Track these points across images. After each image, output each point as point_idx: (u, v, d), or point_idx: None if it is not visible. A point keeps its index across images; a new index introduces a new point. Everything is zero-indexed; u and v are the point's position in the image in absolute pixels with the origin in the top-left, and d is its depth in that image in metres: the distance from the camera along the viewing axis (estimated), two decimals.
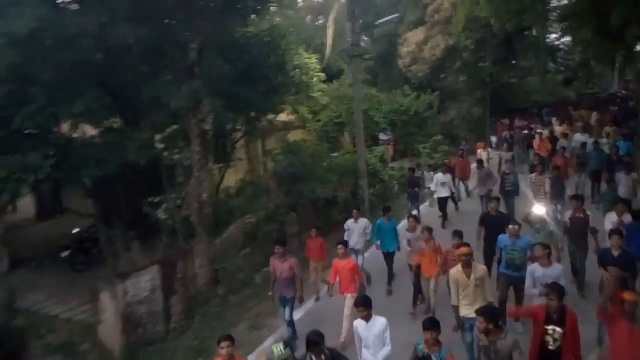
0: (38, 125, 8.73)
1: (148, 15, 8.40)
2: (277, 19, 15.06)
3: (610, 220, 8.34)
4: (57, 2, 7.69)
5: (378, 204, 13.91)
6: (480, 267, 6.59)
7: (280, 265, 7.85)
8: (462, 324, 6.51)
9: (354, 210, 9.96)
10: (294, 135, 17.63)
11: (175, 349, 8.56)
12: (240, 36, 12.52)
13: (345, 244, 8.10)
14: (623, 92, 30.74)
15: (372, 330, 5.55)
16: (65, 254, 12.55)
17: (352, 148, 16.48)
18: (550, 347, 5.36)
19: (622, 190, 11.24)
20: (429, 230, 8.10)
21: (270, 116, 15.15)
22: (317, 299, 9.39)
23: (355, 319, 5.81)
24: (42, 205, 15.43)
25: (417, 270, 8.28)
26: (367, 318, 5.58)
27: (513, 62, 26.70)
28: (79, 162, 9.37)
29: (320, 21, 28.45)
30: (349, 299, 7.44)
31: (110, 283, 8.63)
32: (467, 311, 6.39)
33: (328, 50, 21.82)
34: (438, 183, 12.97)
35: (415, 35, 25.29)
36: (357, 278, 7.76)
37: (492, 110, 24.52)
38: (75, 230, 13.29)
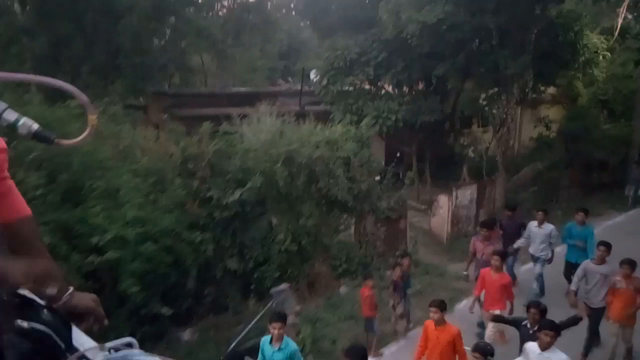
0: None
1: (501, 7, 11.94)
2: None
3: None
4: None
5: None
6: None
7: (482, 247, 8.22)
8: None
9: (538, 213, 9.12)
10: (553, 109, 19.72)
11: None
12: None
13: (502, 255, 7.42)
14: None
15: None
16: None
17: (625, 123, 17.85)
18: None
19: None
20: (632, 264, 6.58)
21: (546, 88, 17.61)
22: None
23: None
24: None
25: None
26: None
27: None
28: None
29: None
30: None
31: (446, 191, 12.88)
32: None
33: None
34: None
35: None
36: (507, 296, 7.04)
37: None
38: None
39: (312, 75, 19.65)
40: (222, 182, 8.50)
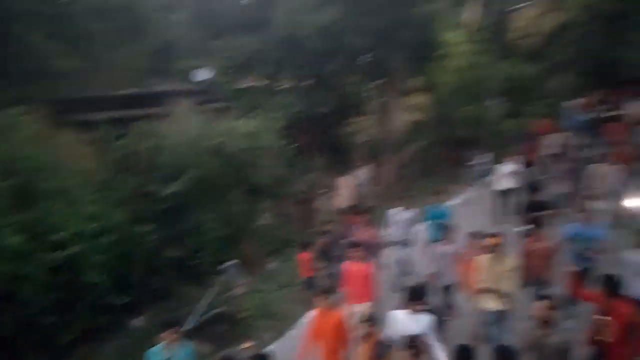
0: None
1: (382, 9, 13.85)
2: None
3: None
4: None
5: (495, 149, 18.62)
6: (510, 259, 6.51)
7: (362, 234, 8.37)
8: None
9: (399, 200, 9.60)
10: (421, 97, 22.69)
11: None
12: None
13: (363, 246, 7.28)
14: None
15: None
16: None
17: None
18: (604, 339, 5.20)
19: None
20: (477, 235, 7.28)
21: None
22: None
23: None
24: None
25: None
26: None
27: (623, 36, 29.48)
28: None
29: None
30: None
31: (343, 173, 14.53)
32: (493, 304, 6.37)
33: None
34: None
35: (529, 11, 29.05)
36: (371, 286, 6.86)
37: (596, 83, 27.84)
38: None
39: (203, 74, 20.12)
40: (158, 177, 9.08)
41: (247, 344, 8.15)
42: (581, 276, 6.16)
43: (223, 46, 16.25)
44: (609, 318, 5.14)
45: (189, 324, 8.31)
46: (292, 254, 11.12)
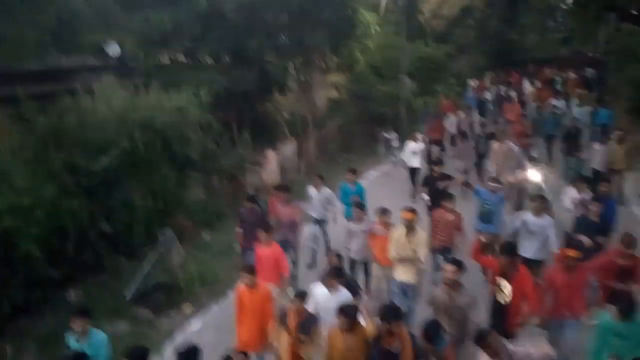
0: None
1: None
2: None
3: (570, 196, 8.48)
4: None
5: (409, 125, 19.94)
6: (421, 233, 6.79)
7: (283, 211, 8.57)
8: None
9: (316, 178, 9.75)
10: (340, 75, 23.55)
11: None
12: None
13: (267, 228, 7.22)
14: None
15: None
16: None
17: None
18: (501, 301, 5.56)
19: (597, 161, 11.28)
20: (385, 211, 7.41)
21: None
22: None
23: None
24: None
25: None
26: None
27: (517, 20, 32.32)
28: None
29: None
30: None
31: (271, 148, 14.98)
32: (404, 276, 6.74)
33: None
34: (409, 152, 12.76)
35: None
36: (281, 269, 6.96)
37: (496, 64, 30.38)
38: None
39: (115, 48, 19.38)
40: (87, 152, 8.99)
41: (187, 308, 8.55)
42: (483, 243, 6.50)
43: (138, 20, 15.83)
44: (506, 281, 5.51)
45: (129, 294, 8.49)
46: (223, 227, 11.51)
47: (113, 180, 9.55)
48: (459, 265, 5.42)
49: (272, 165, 14.65)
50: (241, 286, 5.90)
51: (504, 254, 5.59)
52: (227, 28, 15.06)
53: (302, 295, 5.43)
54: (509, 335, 5.34)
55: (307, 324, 5.20)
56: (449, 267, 5.40)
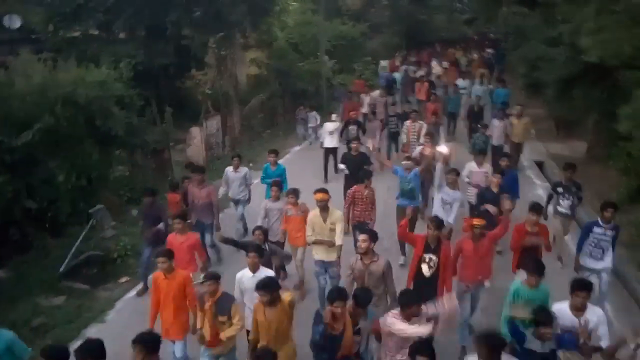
0: None
1: None
2: None
3: (469, 169, 9.08)
4: None
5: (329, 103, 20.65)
6: (336, 212, 6.89)
7: (198, 192, 8.47)
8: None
9: (234, 158, 9.69)
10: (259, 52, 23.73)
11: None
12: None
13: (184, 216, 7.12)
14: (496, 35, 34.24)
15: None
16: None
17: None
18: (425, 274, 5.77)
19: (496, 136, 12.06)
20: (295, 192, 7.48)
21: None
22: None
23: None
24: None
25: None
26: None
27: (427, 1, 33.98)
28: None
29: None
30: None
31: (194, 124, 15.04)
32: (323, 255, 6.86)
33: None
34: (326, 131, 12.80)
35: None
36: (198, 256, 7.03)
37: (408, 44, 31.91)
38: None
39: (12, 20, 18.18)
40: (7, 127, 8.74)
41: (124, 279, 8.74)
42: (408, 219, 6.61)
43: None
44: (433, 255, 5.75)
45: (61, 269, 8.50)
46: None
47: (36, 157, 9.36)
48: (371, 234, 5.64)
49: (196, 141, 14.76)
50: (157, 273, 5.71)
51: (433, 228, 5.78)
52: (143, 1, 14.77)
53: (213, 277, 5.24)
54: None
55: (223, 304, 5.17)
56: (362, 237, 5.58)
